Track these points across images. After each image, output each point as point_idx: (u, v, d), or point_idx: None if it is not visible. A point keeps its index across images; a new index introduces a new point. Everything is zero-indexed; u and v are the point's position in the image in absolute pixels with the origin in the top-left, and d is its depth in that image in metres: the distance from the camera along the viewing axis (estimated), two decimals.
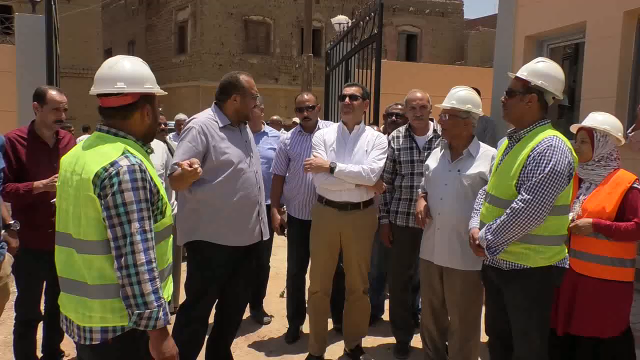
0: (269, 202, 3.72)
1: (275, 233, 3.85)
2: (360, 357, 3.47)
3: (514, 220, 2.35)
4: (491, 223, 2.46)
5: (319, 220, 3.35)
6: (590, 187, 2.82)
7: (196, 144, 2.79)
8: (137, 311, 1.67)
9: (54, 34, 5.67)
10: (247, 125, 3.11)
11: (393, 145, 3.49)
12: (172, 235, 1.98)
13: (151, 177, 1.78)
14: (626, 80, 4.86)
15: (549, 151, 2.35)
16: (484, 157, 2.88)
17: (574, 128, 2.96)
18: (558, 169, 2.33)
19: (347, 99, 3.25)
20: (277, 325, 4.16)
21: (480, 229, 2.58)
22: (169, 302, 1.87)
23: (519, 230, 2.36)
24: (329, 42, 9.37)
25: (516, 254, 2.45)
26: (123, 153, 1.75)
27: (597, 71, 4.95)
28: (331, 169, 3.14)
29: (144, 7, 24.32)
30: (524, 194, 2.35)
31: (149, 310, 1.68)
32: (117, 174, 1.69)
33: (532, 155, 2.39)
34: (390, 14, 22.52)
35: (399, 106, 4.05)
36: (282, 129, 9.87)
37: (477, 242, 2.54)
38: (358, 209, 3.26)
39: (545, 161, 2.34)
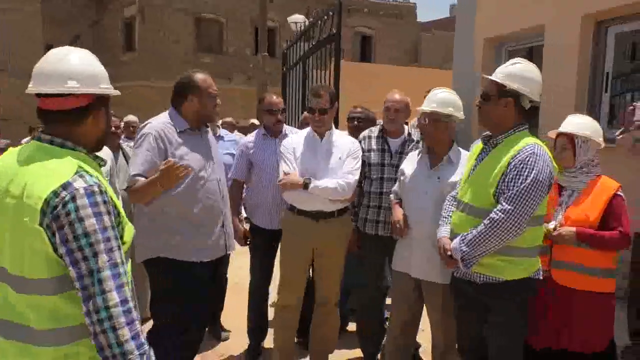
0: None
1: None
2: None
3: (492, 231, 2.23)
4: (466, 233, 2.33)
5: (292, 231, 3.13)
6: (573, 195, 2.74)
7: (154, 152, 2.55)
8: None
9: None
10: (209, 130, 2.89)
11: (363, 146, 3.31)
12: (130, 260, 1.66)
13: (110, 197, 1.47)
14: (584, 84, 4.90)
15: (531, 159, 2.24)
16: (464, 164, 2.73)
17: (552, 134, 2.87)
18: (540, 179, 2.23)
19: (316, 114, 3.03)
20: (237, 341, 3.90)
21: (451, 238, 2.43)
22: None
23: (498, 241, 2.24)
24: (284, 41, 9.17)
25: (491, 267, 2.33)
26: (77, 172, 1.43)
27: (555, 75, 4.98)
28: (305, 185, 2.95)
29: (90, 2, 23.28)
30: (504, 204, 2.23)
31: (130, 357, 1.37)
32: (73, 199, 1.37)
33: (513, 163, 2.26)
34: (345, 14, 22.53)
35: (359, 110, 3.91)
36: (236, 130, 9.60)
37: (449, 252, 2.40)
38: (332, 217, 3.07)
39: (527, 170, 2.23)
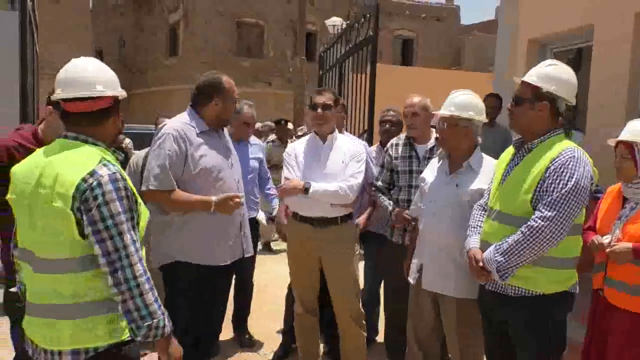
0: (253, 214, 3.48)
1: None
2: None
3: (531, 239, 2.07)
4: (500, 243, 2.18)
5: (294, 237, 3.06)
6: (635, 208, 2.52)
7: (173, 152, 2.52)
8: (146, 323, 1.60)
9: (31, 30, 5.35)
10: (225, 130, 2.85)
11: (391, 153, 3.19)
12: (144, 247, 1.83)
13: (129, 185, 1.69)
14: (637, 84, 4.60)
15: (571, 163, 2.09)
16: (487, 171, 2.57)
17: (612, 141, 2.67)
18: (582, 184, 2.07)
19: (319, 109, 2.95)
20: (265, 346, 3.84)
21: (482, 249, 2.28)
22: None
23: (537, 251, 2.09)
24: (322, 45, 9.13)
25: (525, 278, 2.17)
26: (100, 161, 1.63)
27: (605, 76, 4.70)
28: (305, 189, 2.86)
29: (134, 7, 24.00)
30: (543, 210, 2.07)
31: (155, 320, 1.62)
32: (100, 184, 1.58)
33: (553, 167, 2.11)
34: (385, 18, 22.36)
35: (391, 112, 3.79)
36: (273, 134, 9.61)
37: (481, 264, 2.25)
38: (335, 224, 2.96)
39: (568, 174, 2.07)
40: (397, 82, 7.53)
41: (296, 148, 3.06)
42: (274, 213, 3.82)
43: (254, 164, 3.74)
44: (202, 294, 2.65)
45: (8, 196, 1.73)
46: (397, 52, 24.33)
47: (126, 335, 1.66)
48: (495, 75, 6.44)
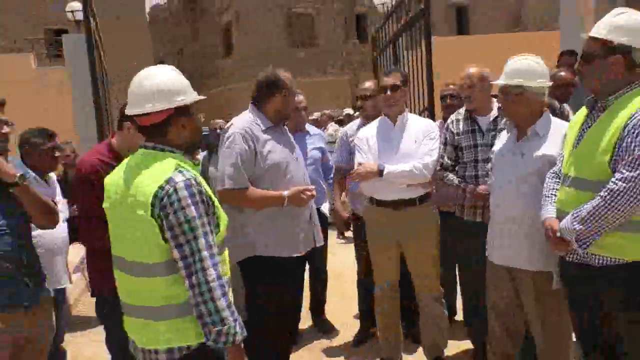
0: (319, 205, 3.51)
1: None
2: None
3: (612, 203, 1.94)
4: (578, 210, 2.06)
5: (373, 222, 3.07)
6: None
7: (243, 151, 2.58)
8: (216, 329, 1.63)
9: (97, 48, 5.68)
10: (286, 125, 2.90)
11: (453, 130, 3.11)
12: (227, 249, 1.90)
13: (205, 190, 1.73)
14: None
15: None
16: (555, 136, 2.43)
17: None
18: None
19: (388, 91, 2.94)
20: (343, 332, 3.90)
21: (559, 218, 2.17)
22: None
23: (619, 215, 1.95)
24: (373, 25, 8.99)
25: (611, 247, 2.04)
26: (176, 168, 1.70)
27: None
28: (380, 172, 2.85)
29: (187, 15, 24.75)
30: (624, 171, 1.94)
31: (226, 326, 1.64)
32: (175, 191, 1.64)
33: (632, 123, 1.96)
34: None
35: (451, 87, 3.70)
36: (332, 122, 9.62)
37: (558, 234, 2.14)
38: (413, 206, 2.94)
39: None
40: (454, 54, 7.25)
41: (367, 132, 3.06)
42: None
43: (315, 154, 3.77)
44: (282, 285, 2.72)
45: (104, 205, 1.85)
46: (452, 22, 23.45)
47: None
48: (561, 33, 6.05)
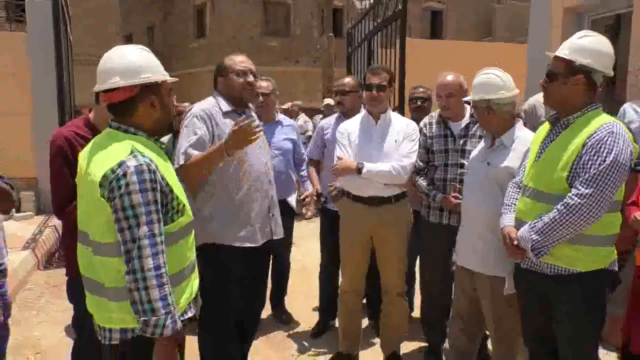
0: (285, 196, 3.55)
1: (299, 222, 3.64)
2: None
3: (568, 217, 2.04)
4: (535, 221, 2.16)
5: (347, 217, 3.09)
6: None
7: (201, 131, 2.54)
8: (144, 318, 1.61)
9: (64, 19, 5.47)
10: (253, 113, 2.86)
11: (425, 132, 3.16)
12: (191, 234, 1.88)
13: (162, 177, 1.70)
14: None
15: (610, 139, 2.03)
16: (521, 149, 2.53)
17: None
18: (620, 160, 2.02)
19: (374, 90, 2.95)
20: (302, 324, 3.94)
21: (517, 227, 2.26)
22: (195, 298, 1.86)
23: (573, 229, 2.05)
24: (350, 21, 9.00)
25: (563, 257, 2.15)
26: (131, 152, 1.66)
27: None
28: (358, 170, 2.87)
29: None
30: (580, 187, 2.03)
31: (155, 318, 1.61)
32: (125, 175, 1.62)
33: (590, 142, 2.06)
34: None
35: (421, 89, 3.77)
36: (303, 113, 9.59)
37: (515, 242, 2.23)
38: (389, 204, 2.98)
39: (606, 150, 2.02)
40: (427, 57, 7.36)
41: (348, 127, 3.07)
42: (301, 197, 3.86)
43: (286, 144, 3.76)
44: (240, 275, 2.69)
45: (76, 179, 1.84)
46: (427, 25, 23.75)
47: None
48: (529, 47, 6.23)
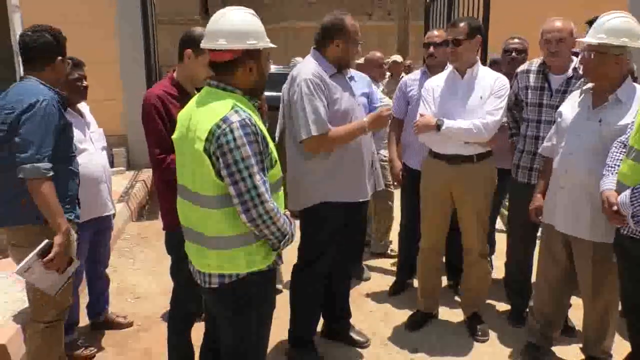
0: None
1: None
2: (478, 327, 3.17)
3: None
4: (638, 186, 2.01)
5: (428, 174, 3.05)
6: None
7: (323, 101, 2.55)
8: (282, 242, 1.86)
9: None
10: (352, 71, 2.90)
11: (520, 82, 2.99)
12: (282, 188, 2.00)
13: (260, 130, 1.79)
14: None
15: None
16: (636, 106, 2.31)
17: None
18: None
19: (450, 45, 2.84)
20: (379, 281, 3.97)
21: (618, 191, 2.12)
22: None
23: None
24: None
25: None
26: (232, 108, 1.75)
27: None
28: (438, 127, 2.79)
29: None
30: None
31: (287, 235, 1.88)
32: (231, 130, 1.71)
33: None
34: None
35: (516, 40, 3.56)
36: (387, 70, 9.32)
37: (615, 207, 2.09)
38: (471, 162, 2.89)
39: None
40: (513, 5, 6.88)
41: (433, 82, 3.00)
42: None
43: (362, 100, 3.69)
44: (347, 229, 2.79)
45: (173, 137, 1.96)
46: None
47: (262, 266, 1.88)
48: None
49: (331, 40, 2.62)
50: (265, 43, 1.89)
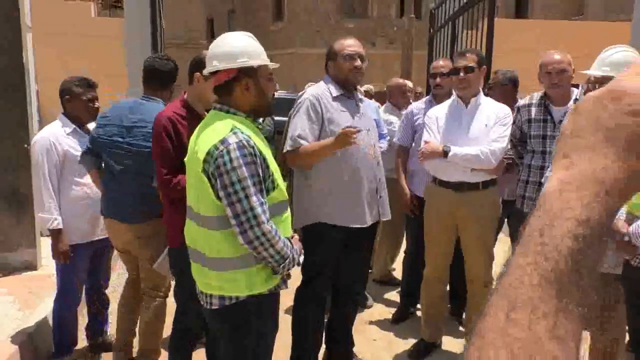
0: None
1: None
2: None
3: None
4: None
5: (432, 202, 3.05)
6: None
7: (311, 120, 2.59)
8: (282, 265, 1.85)
9: (158, 5, 5.73)
10: (361, 95, 2.89)
11: (523, 116, 3.02)
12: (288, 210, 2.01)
13: (260, 152, 1.80)
14: None
15: None
16: None
17: None
18: None
19: (461, 73, 2.86)
20: (380, 309, 3.94)
21: (628, 221, 2.11)
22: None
23: None
24: (432, 1, 8.72)
25: None
26: (232, 129, 1.78)
27: None
28: (445, 153, 2.80)
29: None
30: None
31: (287, 259, 1.86)
32: (228, 151, 1.73)
33: None
34: None
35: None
36: (372, 99, 9.40)
37: (627, 237, 2.08)
38: (477, 190, 2.89)
39: None
40: (514, 38, 7.00)
41: (438, 111, 3.03)
42: None
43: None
44: (337, 252, 2.73)
45: (185, 159, 2.01)
46: (510, 3, 22.50)
47: (263, 289, 1.89)
48: (633, 25, 5.72)
49: (327, 63, 2.75)
50: (261, 61, 1.92)
